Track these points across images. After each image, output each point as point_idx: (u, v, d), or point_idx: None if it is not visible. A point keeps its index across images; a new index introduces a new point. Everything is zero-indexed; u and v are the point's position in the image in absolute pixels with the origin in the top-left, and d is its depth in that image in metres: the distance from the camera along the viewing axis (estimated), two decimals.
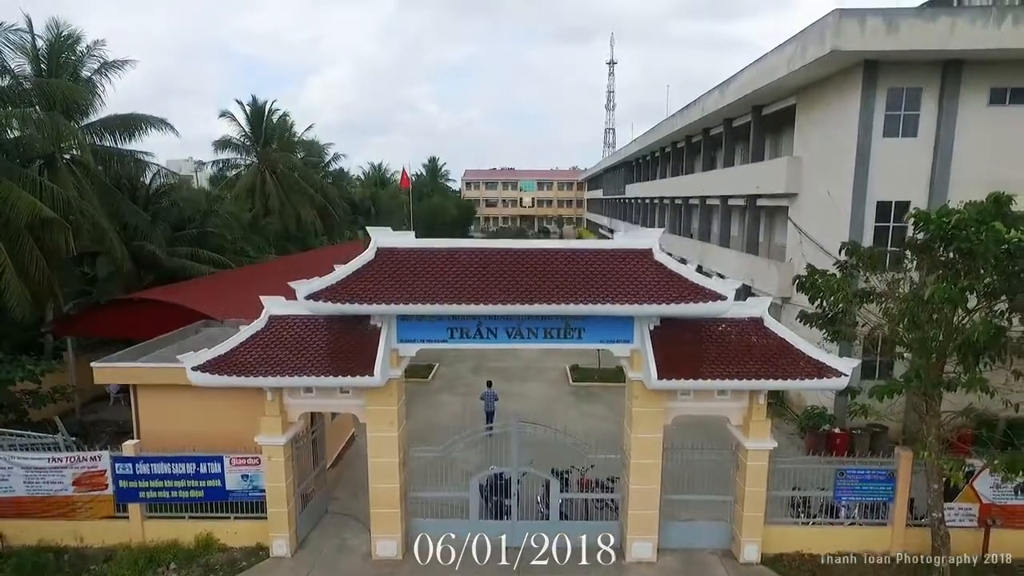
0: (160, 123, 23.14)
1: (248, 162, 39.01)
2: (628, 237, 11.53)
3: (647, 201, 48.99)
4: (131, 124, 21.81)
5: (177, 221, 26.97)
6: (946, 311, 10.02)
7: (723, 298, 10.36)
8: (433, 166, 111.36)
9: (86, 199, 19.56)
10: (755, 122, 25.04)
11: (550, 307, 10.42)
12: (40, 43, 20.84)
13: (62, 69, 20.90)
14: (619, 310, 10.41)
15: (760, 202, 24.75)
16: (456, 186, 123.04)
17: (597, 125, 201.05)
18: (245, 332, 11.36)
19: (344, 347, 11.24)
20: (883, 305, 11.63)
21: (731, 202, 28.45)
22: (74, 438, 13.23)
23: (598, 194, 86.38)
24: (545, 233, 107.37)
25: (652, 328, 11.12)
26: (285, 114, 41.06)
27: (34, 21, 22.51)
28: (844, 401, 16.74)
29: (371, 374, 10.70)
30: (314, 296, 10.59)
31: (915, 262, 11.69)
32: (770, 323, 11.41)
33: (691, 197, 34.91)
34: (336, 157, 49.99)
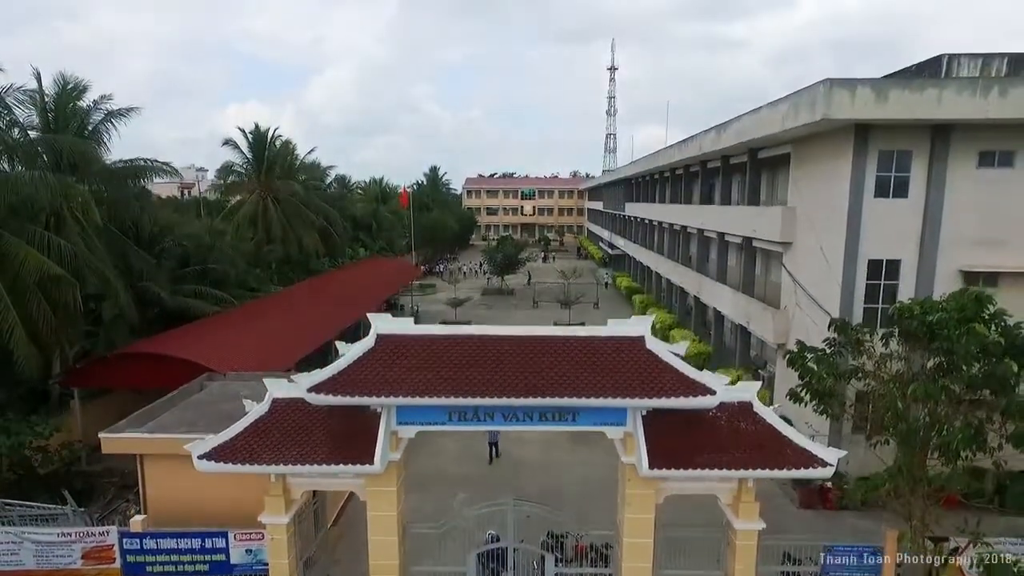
0: (164, 169, 23.58)
1: (250, 188, 39.34)
2: (621, 324, 11.85)
3: (646, 221, 49.29)
4: (138, 172, 22.20)
5: (181, 257, 27.40)
6: (927, 407, 10.36)
7: (712, 392, 10.69)
8: (434, 175, 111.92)
9: (92, 250, 19.96)
10: (751, 163, 25.36)
11: (545, 400, 10.77)
12: (48, 87, 21.27)
13: (69, 119, 21.29)
14: (611, 403, 10.76)
15: (756, 243, 25.06)
16: (456, 188, 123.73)
17: (598, 124, 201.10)
18: (249, 416, 11.70)
19: (345, 431, 11.58)
20: (868, 384, 11.98)
21: (728, 238, 28.76)
22: (82, 509, 13.58)
23: (598, 205, 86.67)
24: (546, 242, 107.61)
25: (644, 413, 11.45)
26: (287, 141, 41.46)
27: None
28: (838, 437, 17.03)
29: (371, 462, 11.05)
30: (316, 389, 10.93)
31: (900, 344, 12.01)
32: (759, 408, 11.72)
33: (689, 226, 35.23)
34: (340, 179, 50.44)
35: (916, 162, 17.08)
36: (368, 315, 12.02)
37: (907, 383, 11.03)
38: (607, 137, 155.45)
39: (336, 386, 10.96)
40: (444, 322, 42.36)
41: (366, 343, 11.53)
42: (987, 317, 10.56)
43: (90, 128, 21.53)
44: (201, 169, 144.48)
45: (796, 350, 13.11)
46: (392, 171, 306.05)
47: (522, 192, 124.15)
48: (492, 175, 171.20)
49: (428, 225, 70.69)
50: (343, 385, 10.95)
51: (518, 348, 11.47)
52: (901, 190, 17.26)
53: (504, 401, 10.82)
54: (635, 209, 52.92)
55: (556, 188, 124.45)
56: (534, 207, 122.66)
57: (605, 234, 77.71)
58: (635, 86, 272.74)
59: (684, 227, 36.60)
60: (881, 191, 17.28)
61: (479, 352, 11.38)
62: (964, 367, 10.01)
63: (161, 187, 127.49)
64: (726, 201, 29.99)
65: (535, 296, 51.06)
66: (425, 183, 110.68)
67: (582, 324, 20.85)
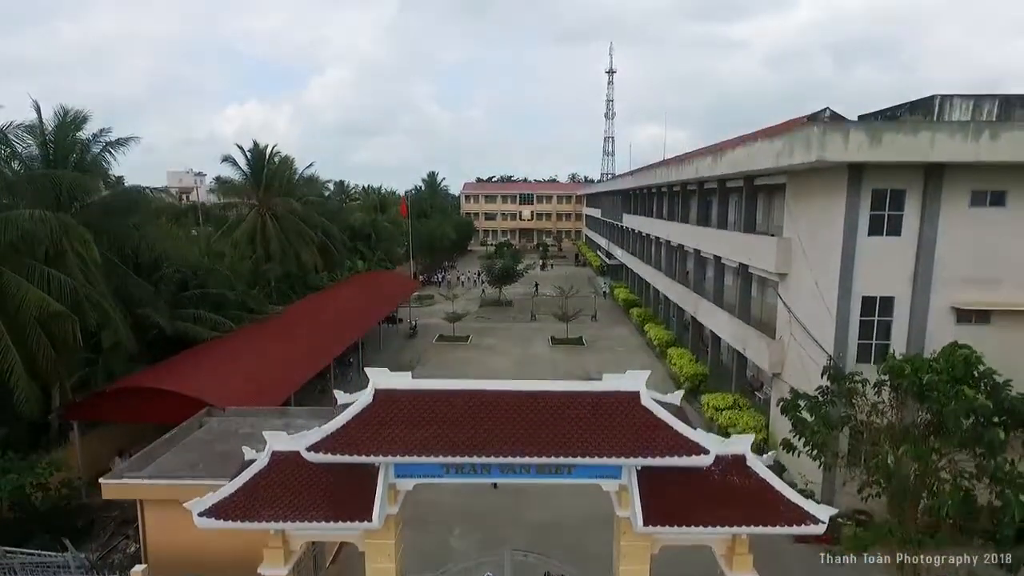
0: (163, 192, 23.72)
1: (249, 205, 39.42)
2: (617, 379, 11.99)
3: (644, 234, 49.43)
4: (135, 201, 22.32)
5: (180, 282, 27.50)
6: (916, 468, 10.52)
7: (705, 452, 10.82)
8: (432, 181, 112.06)
9: (92, 282, 20.07)
10: (747, 188, 25.53)
11: (540, 460, 10.92)
12: (48, 117, 21.38)
13: (69, 150, 21.40)
14: (605, 462, 10.92)
15: (752, 270, 25.23)
16: (454, 189, 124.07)
17: (597, 124, 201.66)
18: (249, 471, 11.82)
19: (344, 484, 11.71)
20: (860, 435, 12.15)
21: (724, 261, 28.92)
22: (83, 555, 13.70)
23: (596, 213, 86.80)
24: (544, 248, 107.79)
25: (639, 468, 11.59)
26: (286, 157, 41.56)
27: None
28: (831, 485, 17.20)
29: (370, 519, 11.18)
30: (315, 448, 11.05)
31: (892, 397, 12.17)
32: (752, 462, 11.86)
33: (686, 245, 35.39)
34: (339, 185, 50.40)
35: (909, 201, 17.25)
36: (366, 370, 12.15)
37: (898, 437, 11.20)
38: (605, 140, 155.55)
39: (334, 445, 11.08)
40: (442, 336, 42.77)
41: (364, 399, 11.66)
42: (976, 376, 10.71)
43: (89, 159, 21.65)
44: (199, 174, 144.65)
45: (789, 398, 13.27)
46: (391, 171, 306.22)
47: (520, 197, 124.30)
48: (490, 178, 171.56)
49: (426, 234, 70.86)
50: (341, 444, 11.07)
51: (514, 403, 11.60)
52: (895, 228, 17.43)
53: (500, 460, 10.97)
54: (633, 221, 53.06)
55: (554, 193, 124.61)
56: (532, 212, 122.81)
57: (603, 242, 77.86)
58: (634, 86, 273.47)
59: (681, 245, 36.78)
60: (875, 229, 17.45)
61: (476, 408, 11.51)
62: (953, 430, 10.17)
63: (160, 194, 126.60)
64: (723, 220, 30.18)
65: (533, 309, 51.18)
66: (424, 188, 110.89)
67: (588, 377, 20.87)
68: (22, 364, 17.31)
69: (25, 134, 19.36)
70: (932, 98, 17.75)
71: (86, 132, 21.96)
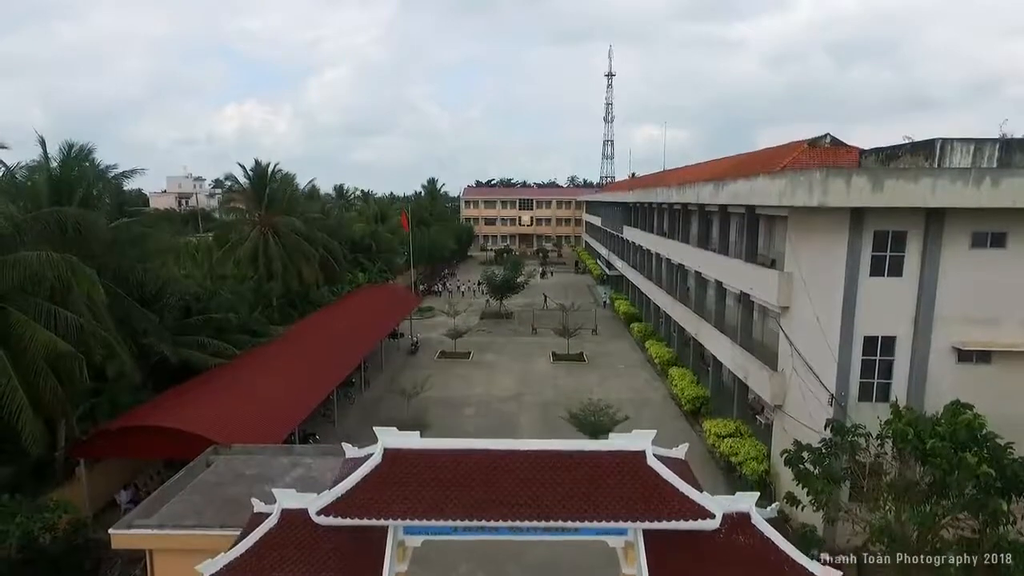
0: (164, 222, 23.80)
1: (251, 223, 39.50)
2: (623, 439, 12.14)
3: (644, 249, 49.51)
4: (140, 235, 22.43)
5: (183, 308, 27.61)
6: (916, 532, 10.66)
7: (711, 516, 10.97)
8: (432, 187, 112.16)
9: (97, 318, 20.17)
10: (748, 216, 25.64)
11: (548, 523, 11.08)
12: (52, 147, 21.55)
13: (75, 185, 21.51)
14: (612, 527, 11.07)
15: (753, 298, 25.35)
16: (453, 191, 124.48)
17: (596, 123, 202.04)
18: (259, 531, 11.94)
19: (353, 541, 11.83)
20: (862, 487, 12.29)
21: (725, 286, 29.04)
22: None
23: (596, 221, 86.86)
24: (544, 254, 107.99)
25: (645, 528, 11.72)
26: (287, 175, 41.66)
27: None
28: (833, 531, 17.31)
29: None
30: (325, 511, 11.19)
31: (895, 455, 12.32)
32: (756, 520, 11.99)
33: (686, 264, 35.50)
34: (339, 190, 50.41)
35: (911, 242, 17.40)
36: (375, 428, 12.27)
37: (900, 495, 11.34)
38: (605, 144, 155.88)
39: (345, 508, 11.21)
40: (444, 353, 42.89)
41: (374, 459, 11.78)
42: (979, 439, 10.86)
43: (95, 193, 21.78)
44: (199, 179, 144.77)
45: (793, 449, 13.41)
46: (391, 170, 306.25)
47: (520, 202, 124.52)
48: (490, 181, 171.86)
49: (427, 243, 71.01)
50: (351, 507, 11.21)
51: (522, 463, 11.74)
52: (896, 269, 17.58)
53: (508, 524, 11.11)
54: (633, 235, 53.14)
55: (554, 199, 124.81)
56: (532, 218, 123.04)
57: (603, 251, 77.93)
58: (634, 86, 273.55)
59: (682, 264, 36.90)
60: (877, 270, 17.60)
61: (484, 468, 11.65)
62: (956, 498, 10.32)
63: (159, 199, 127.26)
64: (724, 239, 30.17)
65: (534, 323, 51.33)
66: (423, 194, 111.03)
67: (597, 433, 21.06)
68: (29, 404, 17.43)
69: (32, 174, 19.44)
70: (933, 141, 17.89)
71: (94, 154, 22.09)
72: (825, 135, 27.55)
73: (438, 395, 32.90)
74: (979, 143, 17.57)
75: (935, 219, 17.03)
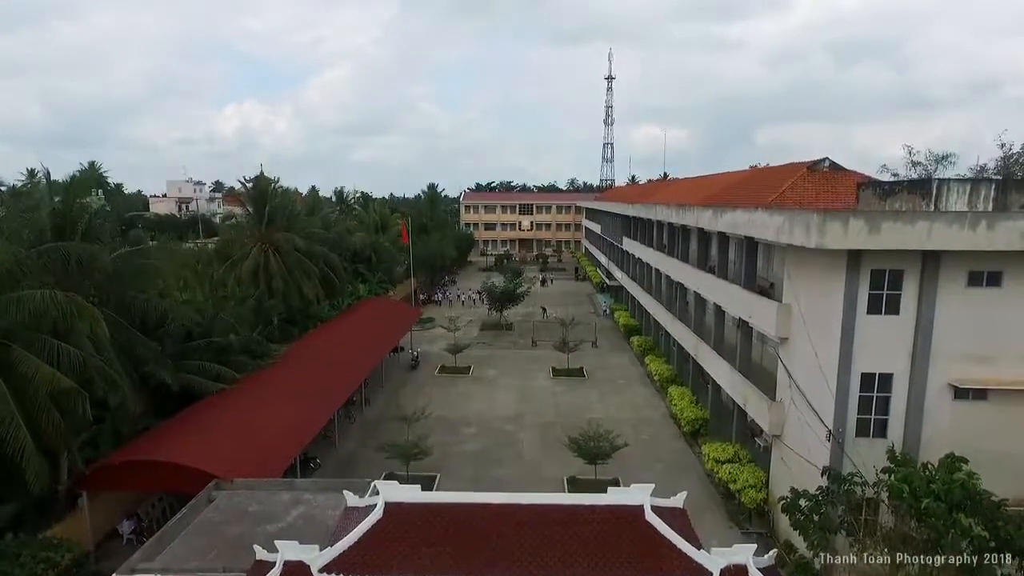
0: (165, 252, 23.99)
1: (252, 240, 39.63)
2: (622, 492, 12.30)
3: (644, 261, 49.62)
4: (141, 266, 22.57)
5: (185, 333, 27.72)
6: None
7: (708, 574, 11.10)
8: (432, 193, 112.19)
9: (100, 350, 20.30)
10: (747, 241, 25.76)
11: None
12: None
13: (78, 218, 21.64)
14: None
15: (752, 324, 25.47)
16: (452, 192, 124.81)
17: (595, 123, 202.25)
18: None
19: None
20: (857, 544, 12.43)
21: (724, 308, 29.16)
22: None
23: (596, 228, 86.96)
24: (544, 259, 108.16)
25: None
26: (287, 190, 41.77)
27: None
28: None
29: None
30: (327, 569, 11.33)
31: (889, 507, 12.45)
32: (753, 573, 12.13)
33: (686, 283, 35.62)
34: (339, 194, 50.56)
35: (908, 281, 17.52)
36: (376, 483, 12.43)
37: (896, 548, 11.48)
38: (604, 146, 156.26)
39: (345, 566, 11.35)
40: (444, 368, 43.00)
41: (375, 514, 11.93)
42: (974, 499, 10.99)
43: (97, 226, 21.94)
44: (199, 183, 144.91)
45: (790, 496, 13.55)
46: (390, 170, 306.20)
47: (520, 207, 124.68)
48: (489, 183, 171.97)
49: (427, 252, 71.16)
50: (352, 565, 11.34)
51: (522, 518, 11.88)
52: (893, 307, 17.70)
53: None
54: (633, 247, 53.26)
55: (554, 203, 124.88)
56: (532, 223, 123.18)
57: (603, 259, 78.04)
58: (633, 86, 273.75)
59: (682, 282, 37.01)
60: (874, 308, 17.73)
61: (484, 523, 11.79)
62: (951, 559, 10.47)
63: (159, 204, 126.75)
64: (723, 258, 30.25)
65: (534, 335, 51.45)
66: (423, 200, 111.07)
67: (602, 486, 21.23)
68: (32, 440, 17.56)
69: (35, 209, 19.60)
70: (930, 181, 18.04)
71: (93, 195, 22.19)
72: (824, 159, 27.70)
73: (438, 413, 33.01)
74: (975, 183, 17.71)
75: (932, 259, 17.16)
